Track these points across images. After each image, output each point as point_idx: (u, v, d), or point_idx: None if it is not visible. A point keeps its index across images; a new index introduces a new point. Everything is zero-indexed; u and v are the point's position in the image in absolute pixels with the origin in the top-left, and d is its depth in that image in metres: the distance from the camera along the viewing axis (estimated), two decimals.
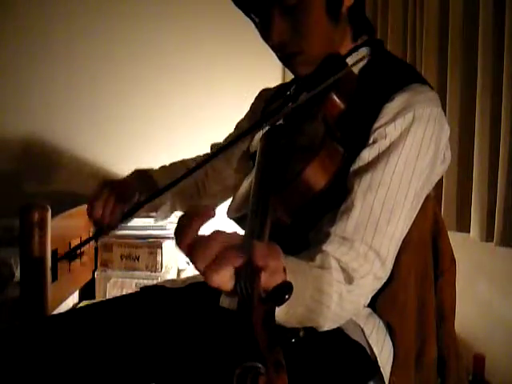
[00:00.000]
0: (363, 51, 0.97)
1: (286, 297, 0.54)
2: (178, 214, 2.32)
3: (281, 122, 0.97)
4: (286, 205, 0.81)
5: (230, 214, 0.97)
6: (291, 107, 0.97)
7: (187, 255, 0.60)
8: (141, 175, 1.18)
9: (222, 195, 1.26)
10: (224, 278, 0.56)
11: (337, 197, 0.85)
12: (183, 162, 1.30)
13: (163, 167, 1.28)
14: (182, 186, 1.20)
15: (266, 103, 1.15)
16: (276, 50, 0.95)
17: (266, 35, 0.93)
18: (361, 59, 0.91)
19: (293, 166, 0.83)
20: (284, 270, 0.65)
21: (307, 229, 0.88)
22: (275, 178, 0.81)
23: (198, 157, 1.32)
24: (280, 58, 0.97)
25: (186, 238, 0.58)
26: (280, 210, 0.81)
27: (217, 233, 0.58)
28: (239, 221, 0.93)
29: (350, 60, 0.93)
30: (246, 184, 1.00)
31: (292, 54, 0.93)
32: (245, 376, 0.47)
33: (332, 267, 0.78)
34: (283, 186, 0.81)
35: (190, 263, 0.60)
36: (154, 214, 1.27)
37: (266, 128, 0.97)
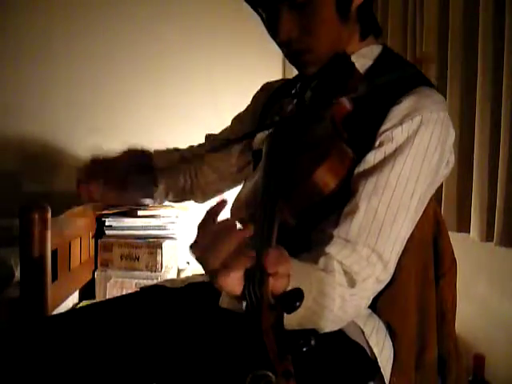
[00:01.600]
0: (370, 51, 0.96)
1: (297, 304, 0.54)
2: (179, 214, 2.32)
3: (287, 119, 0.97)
4: (293, 207, 0.81)
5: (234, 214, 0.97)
6: (294, 105, 0.97)
7: (199, 258, 0.60)
8: (135, 151, 1.17)
9: (217, 186, 1.24)
10: (234, 281, 0.56)
11: (341, 198, 0.85)
12: (178, 149, 1.28)
13: (158, 150, 1.25)
14: (175, 177, 1.20)
15: (269, 98, 1.14)
16: (283, 46, 0.94)
17: (273, 31, 0.92)
18: None
19: (301, 168, 0.82)
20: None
21: (310, 230, 0.87)
22: (282, 180, 0.81)
23: (192, 147, 1.30)
24: (286, 55, 0.96)
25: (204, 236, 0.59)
26: (286, 212, 0.80)
27: (225, 233, 0.58)
28: (243, 222, 0.92)
29: (355, 59, 0.92)
30: (250, 184, 0.99)
31: (299, 52, 0.92)
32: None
33: (335, 270, 0.78)
34: (291, 189, 0.80)
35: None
36: (147, 200, 1.25)
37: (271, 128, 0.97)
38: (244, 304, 0.56)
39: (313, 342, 0.51)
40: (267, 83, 1.21)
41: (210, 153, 1.19)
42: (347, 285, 0.78)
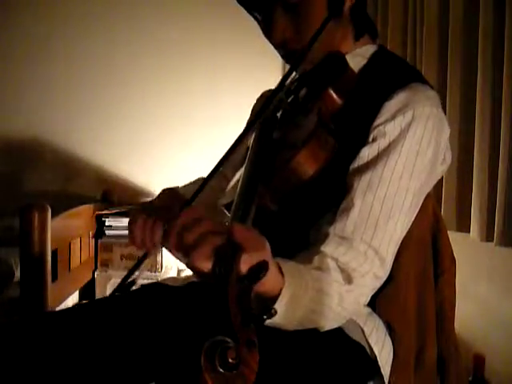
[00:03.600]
0: (366, 50, 0.97)
1: (261, 275, 0.56)
2: None
3: (278, 115, 0.98)
4: (273, 191, 0.81)
5: (221, 201, 0.98)
6: (287, 101, 0.98)
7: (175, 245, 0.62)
8: (170, 193, 1.15)
9: None
10: (203, 257, 0.58)
11: (332, 193, 0.85)
12: (201, 178, 1.27)
13: (187, 184, 1.24)
14: (207, 204, 1.19)
15: (265, 101, 1.14)
16: (278, 47, 0.95)
17: (268, 33, 0.94)
18: None
19: (283, 155, 0.83)
20: (281, 272, 0.66)
21: (295, 220, 0.88)
22: (265, 166, 0.82)
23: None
24: (282, 56, 0.97)
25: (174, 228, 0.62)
26: (267, 196, 0.81)
27: (196, 220, 0.61)
28: (228, 207, 0.93)
29: (350, 58, 0.93)
30: (238, 174, 1.00)
31: (294, 52, 0.93)
32: (214, 349, 0.49)
33: (330, 268, 0.78)
34: (272, 174, 0.81)
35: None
36: None
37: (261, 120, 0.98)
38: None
39: (273, 312, 0.53)
40: (266, 91, 1.22)
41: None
42: (344, 282, 0.78)
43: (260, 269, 0.57)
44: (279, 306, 0.68)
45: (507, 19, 1.42)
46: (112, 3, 2.53)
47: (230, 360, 0.48)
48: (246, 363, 0.48)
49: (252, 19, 0.99)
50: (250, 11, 0.96)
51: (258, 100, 1.23)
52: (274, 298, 0.68)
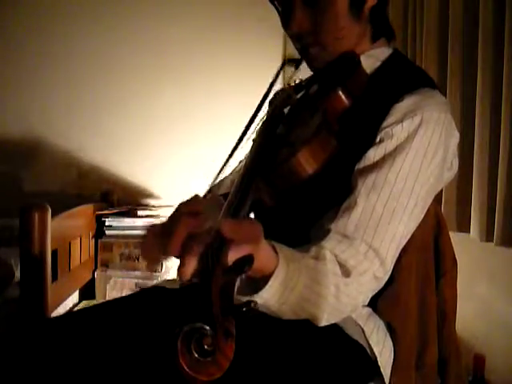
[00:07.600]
0: (380, 52, 0.97)
1: (246, 268, 0.57)
2: None
3: (285, 110, 0.98)
4: (271, 187, 0.81)
5: (220, 191, 0.98)
6: (296, 97, 0.98)
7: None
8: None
9: None
10: (191, 269, 0.58)
11: (335, 193, 0.85)
12: (219, 182, 1.27)
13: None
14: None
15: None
16: (294, 40, 0.96)
17: (285, 24, 0.94)
18: None
19: (283, 152, 0.83)
20: (276, 251, 0.67)
21: (293, 217, 0.88)
22: (265, 160, 0.82)
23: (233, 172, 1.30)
24: (297, 49, 0.98)
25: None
26: (264, 191, 0.81)
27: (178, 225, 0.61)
28: (226, 197, 0.93)
29: (364, 59, 0.93)
30: (239, 165, 1.00)
31: (309, 46, 0.94)
32: (191, 335, 0.50)
33: (327, 259, 0.77)
34: (271, 169, 0.81)
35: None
36: None
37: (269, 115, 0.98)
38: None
39: (253, 305, 0.53)
40: (278, 90, 1.21)
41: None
42: (342, 275, 0.78)
43: (245, 262, 0.58)
44: (272, 285, 0.68)
45: (507, 19, 1.43)
46: (112, 3, 2.52)
47: (206, 347, 0.50)
48: (222, 351, 0.50)
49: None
50: (272, 1, 0.97)
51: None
52: (267, 278, 0.68)
